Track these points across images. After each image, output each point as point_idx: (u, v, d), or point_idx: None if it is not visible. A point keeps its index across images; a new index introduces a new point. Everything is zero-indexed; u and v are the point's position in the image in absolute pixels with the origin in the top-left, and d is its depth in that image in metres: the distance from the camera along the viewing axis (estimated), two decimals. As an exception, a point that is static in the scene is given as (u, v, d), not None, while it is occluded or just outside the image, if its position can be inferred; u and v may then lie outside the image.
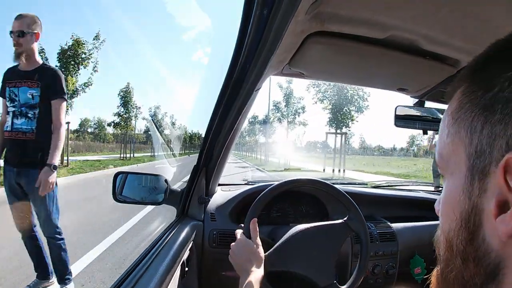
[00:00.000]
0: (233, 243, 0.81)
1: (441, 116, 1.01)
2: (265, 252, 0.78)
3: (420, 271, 1.07)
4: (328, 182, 0.91)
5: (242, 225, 0.84)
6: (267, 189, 0.85)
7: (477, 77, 0.24)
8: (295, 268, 0.80)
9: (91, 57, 11.19)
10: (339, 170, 14.37)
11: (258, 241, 0.78)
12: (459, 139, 0.25)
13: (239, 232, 0.83)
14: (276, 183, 0.87)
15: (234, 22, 0.58)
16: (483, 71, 0.24)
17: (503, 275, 0.21)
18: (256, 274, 0.71)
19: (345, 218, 0.87)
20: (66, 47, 10.84)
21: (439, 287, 0.28)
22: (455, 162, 0.25)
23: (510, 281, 0.21)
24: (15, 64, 1.87)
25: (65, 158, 10.79)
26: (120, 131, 20.18)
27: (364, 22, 0.57)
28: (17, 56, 1.82)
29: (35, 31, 1.84)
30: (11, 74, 1.88)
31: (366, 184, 1.51)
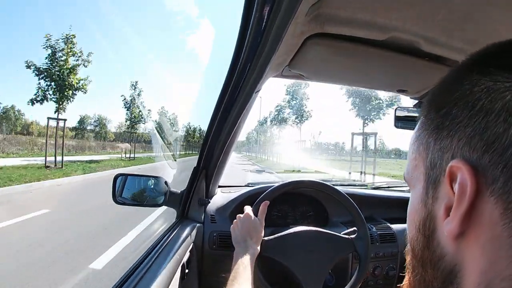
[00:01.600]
0: (240, 215, 0.83)
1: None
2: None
3: None
4: (328, 183, 0.91)
5: (249, 207, 0.86)
6: (279, 184, 0.87)
7: (433, 101, 0.28)
8: (287, 262, 0.80)
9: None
10: (362, 173, 12.17)
11: (263, 222, 0.82)
12: (419, 155, 0.28)
13: (248, 208, 0.85)
14: (284, 182, 0.88)
15: (233, 24, 0.59)
16: (438, 95, 0.27)
17: (461, 277, 0.23)
18: (253, 249, 0.74)
19: (352, 236, 0.86)
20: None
21: None
22: (417, 176, 0.28)
23: (468, 283, 0.22)
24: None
25: (56, 158, 10.24)
26: (128, 131, 20.11)
27: (364, 23, 0.57)
28: None
29: None
30: None
31: (366, 185, 1.51)
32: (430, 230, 0.26)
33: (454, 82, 0.25)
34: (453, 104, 0.24)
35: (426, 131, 0.27)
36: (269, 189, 0.86)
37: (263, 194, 0.85)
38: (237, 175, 10.73)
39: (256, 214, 0.83)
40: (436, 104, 0.26)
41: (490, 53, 0.25)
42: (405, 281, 0.31)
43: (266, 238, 0.81)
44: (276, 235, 0.83)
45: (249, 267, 0.69)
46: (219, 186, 1.19)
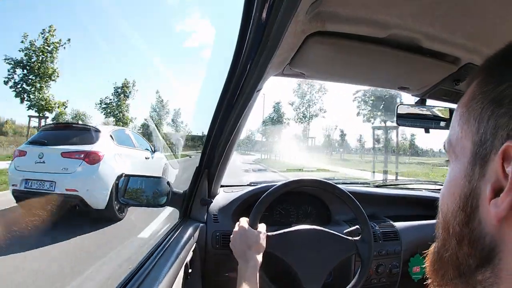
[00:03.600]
0: (235, 229, 0.82)
1: (442, 114, 1.01)
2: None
3: (419, 270, 1.06)
4: (331, 182, 0.91)
5: (245, 218, 0.85)
6: (278, 185, 0.86)
7: (491, 71, 0.26)
8: (289, 259, 0.80)
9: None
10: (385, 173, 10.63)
11: (261, 229, 0.81)
12: (468, 127, 0.26)
13: (242, 220, 0.84)
14: (286, 181, 0.88)
15: (234, 23, 0.59)
16: (498, 66, 0.25)
17: (499, 259, 0.22)
18: (255, 261, 0.73)
19: (356, 238, 0.86)
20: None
21: (434, 265, 0.30)
22: (461, 148, 0.27)
23: (506, 265, 0.22)
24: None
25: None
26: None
27: (365, 21, 0.57)
28: None
29: None
30: None
31: (369, 184, 1.50)
32: (473, 208, 0.24)
33: None
34: None
35: (481, 104, 0.25)
36: (271, 189, 0.86)
37: (264, 194, 0.85)
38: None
39: (252, 224, 0.81)
40: (495, 76, 0.25)
41: None
42: (431, 252, 0.31)
43: (269, 233, 0.82)
44: (279, 231, 0.84)
45: (252, 279, 0.69)
46: (222, 186, 1.20)
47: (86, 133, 4.03)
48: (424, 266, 0.34)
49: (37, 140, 3.90)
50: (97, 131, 4.07)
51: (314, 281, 0.79)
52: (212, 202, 1.06)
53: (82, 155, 3.68)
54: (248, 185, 1.31)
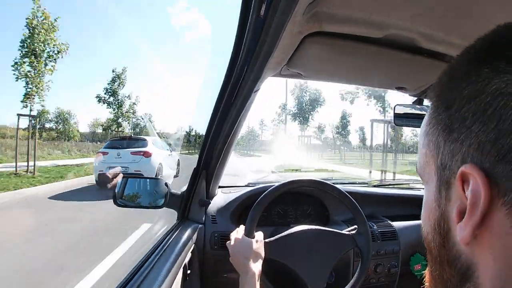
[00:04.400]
0: (232, 243, 0.80)
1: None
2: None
3: (421, 267, 1.06)
4: (329, 182, 0.91)
5: (241, 226, 0.84)
6: (269, 189, 0.85)
7: (441, 94, 0.26)
8: (290, 262, 0.80)
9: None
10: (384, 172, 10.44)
11: (258, 237, 0.80)
12: (429, 152, 0.27)
13: (238, 231, 0.83)
14: (278, 184, 0.87)
15: (231, 23, 0.59)
16: (446, 88, 0.26)
17: (477, 277, 0.23)
18: (254, 271, 0.72)
19: (353, 231, 0.86)
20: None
21: (430, 284, 0.31)
22: (428, 173, 0.28)
23: (484, 281, 0.22)
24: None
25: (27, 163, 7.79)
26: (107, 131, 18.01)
27: (362, 21, 0.57)
28: None
29: None
30: None
31: (367, 183, 1.51)
32: (445, 231, 0.25)
33: (463, 77, 0.24)
34: (464, 102, 0.23)
35: (435, 129, 0.26)
36: (268, 190, 0.85)
37: (262, 195, 0.84)
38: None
39: (248, 233, 0.80)
40: (445, 99, 0.25)
41: (497, 42, 0.23)
42: (427, 273, 0.31)
43: (267, 240, 0.81)
44: (277, 236, 0.83)
45: None
46: (220, 187, 1.19)
47: (140, 141, 7.44)
48: (425, 263, 0.35)
49: (112, 145, 7.18)
50: (145, 140, 7.47)
51: (318, 281, 0.79)
52: (210, 203, 1.06)
53: (142, 153, 6.93)
54: (246, 185, 1.31)
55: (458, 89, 0.24)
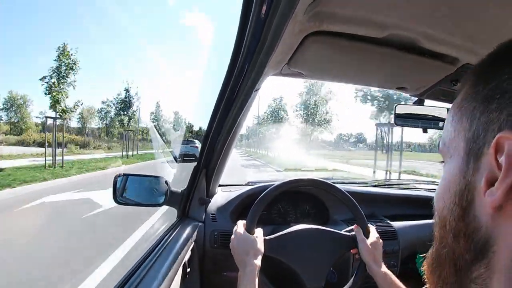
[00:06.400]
0: (233, 237, 0.81)
1: (440, 114, 1.01)
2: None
3: None
4: (329, 181, 0.91)
5: (243, 221, 0.84)
6: (271, 187, 0.85)
7: (482, 73, 0.27)
8: (289, 260, 0.80)
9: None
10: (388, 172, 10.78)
11: (258, 234, 0.80)
12: (460, 126, 0.28)
13: (239, 225, 0.83)
14: (278, 182, 0.87)
15: (232, 22, 0.59)
16: (488, 68, 0.27)
17: (493, 252, 0.23)
18: (253, 266, 0.73)
19: (353, 232, 0.86)
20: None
21: (431, 265, 0.31)
22: (455, 147, 0.28)
23: (500, 258, 0.23)
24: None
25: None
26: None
27: (363, 21, 0.56)
28: None
29: None
30: None
31: (367, 183, 1.51)
32: (468, 202, 0.26)
33: (504, 57, 0.26)
34: (505, 78, 0.24)
35: (472, 102, 0.27)
36: (270, 188, 0.86)
37: (262, 194, 0.85)
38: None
39: (249, 229, 0.81)
40: (486, 78, 0.26)
41: None
42: (429, 254, 0.32)
43: (267, 237, 0.81)
44: (277, 234, 0.83)
45: (250, 285, 0.69)
46: (220, 185, 1.20)
47: (193, 142, 17.25)
48: None
49: (183, 143, 16.60)
50: (194, 141, 17.57)
51: (316, 280, 0.79)
52: (210, 201, 1.06)
53: (196, 146, 15.98)
54: (246, 184, 1.31)
55: (499, 67, 0.25)
